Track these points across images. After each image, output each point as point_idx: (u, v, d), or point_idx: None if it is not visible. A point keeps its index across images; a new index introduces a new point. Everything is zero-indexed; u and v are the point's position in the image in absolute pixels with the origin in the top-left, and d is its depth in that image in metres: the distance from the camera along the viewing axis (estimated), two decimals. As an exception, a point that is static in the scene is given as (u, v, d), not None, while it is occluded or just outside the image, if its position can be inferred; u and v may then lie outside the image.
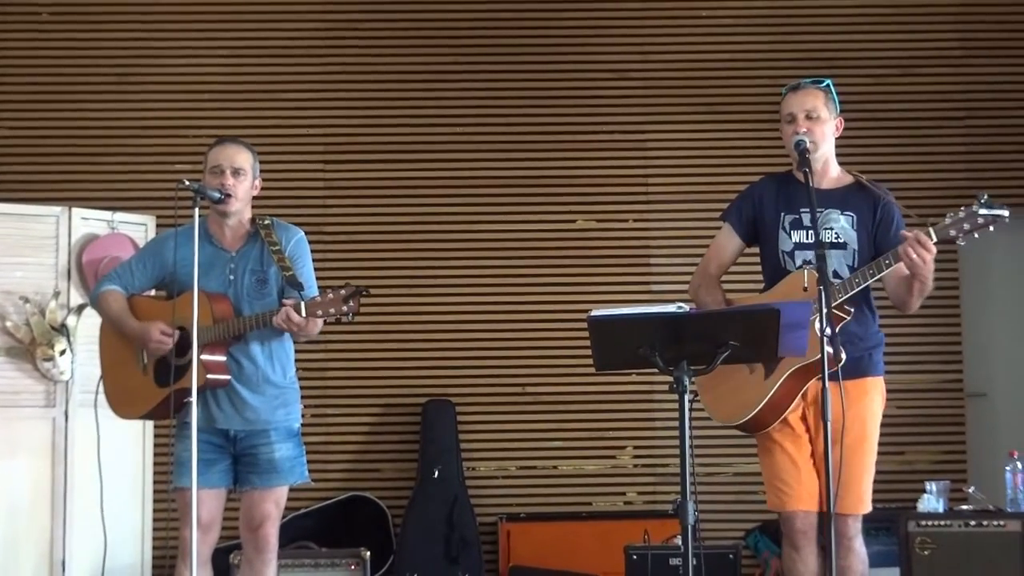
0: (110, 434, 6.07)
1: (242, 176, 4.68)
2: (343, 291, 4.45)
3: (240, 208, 4.71)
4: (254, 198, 4.81)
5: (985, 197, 4.17)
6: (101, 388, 4.93)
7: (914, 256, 4.17)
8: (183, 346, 4.59)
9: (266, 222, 4.74)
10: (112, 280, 4.82)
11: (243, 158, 4.71)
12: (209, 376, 4.56)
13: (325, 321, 4.55)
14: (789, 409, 4.37)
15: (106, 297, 4.79)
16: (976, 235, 4.19)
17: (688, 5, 7.92)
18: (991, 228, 4.18)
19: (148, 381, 4.74)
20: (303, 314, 4.46)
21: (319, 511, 7.39)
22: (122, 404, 4.89)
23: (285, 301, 4.51)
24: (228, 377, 4.62)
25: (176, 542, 4.60)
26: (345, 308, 4.45)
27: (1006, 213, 4.17)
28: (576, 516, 7.40)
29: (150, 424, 6.47)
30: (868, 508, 4.44)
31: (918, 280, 4.26)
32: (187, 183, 4.52)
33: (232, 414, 4.66)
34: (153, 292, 4.94)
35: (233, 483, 4.72)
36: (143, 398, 4.76)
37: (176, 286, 4.66)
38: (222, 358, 4.62)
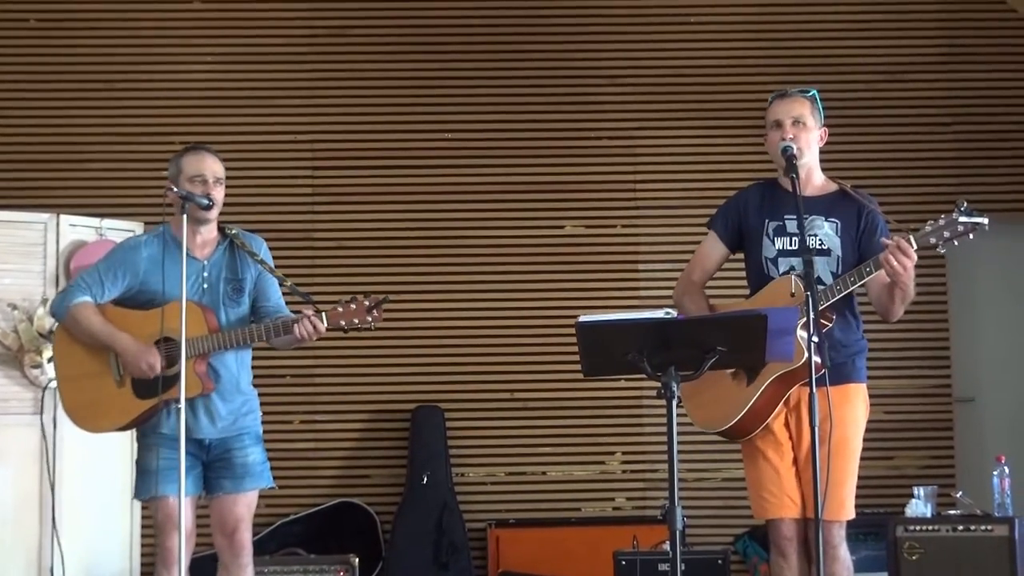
0: (98, 441, 6.07)
1: (220, 185, 4.70)
2: (367, 301, 4.49)
3: (215, 217, 4.71)
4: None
5: (964, 205, 4.19)
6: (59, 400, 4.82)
7: (895, 263, 4.18)
8: (171, 356, 4.58)
9: (234, 231, 4.75)
10: (82, 291, 4.70)
11: (220, 168, 4.72)
12: (204, 387, 4.56)
13: (346, 330, 4.55)
14: (771, 416, 4.38)
15: (82, 310, 4.67)
16: (956, 243, 4.21)
17: (677, 13, 7.93)
18: (971, 236, 4.20)
19: (125, 392, 4.67)
20: (325, 323, 4.48)
21: (308, 517, 7.39)
22: (91, 417, 4.78)
23: (307, 312, 4.51)
24: (213, 386, 4.62)
25: (157, 551, 4.60)
26: (370, 318, 4.49)
27: (985, 221, 4.19)
28: (565, 522, 7.40)
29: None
30: (851, 514, 4.43)
31: (899, 288, 4.27)
32: (176, 190, 4.54)
33: (207, 423, 4.65)
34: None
35: (203, 490, 4.71)
36: (121, 410, 4.68)
37: (146, 295, 4.65)
38: (205, 368, 4.61)
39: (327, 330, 4.54)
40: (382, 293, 4.67)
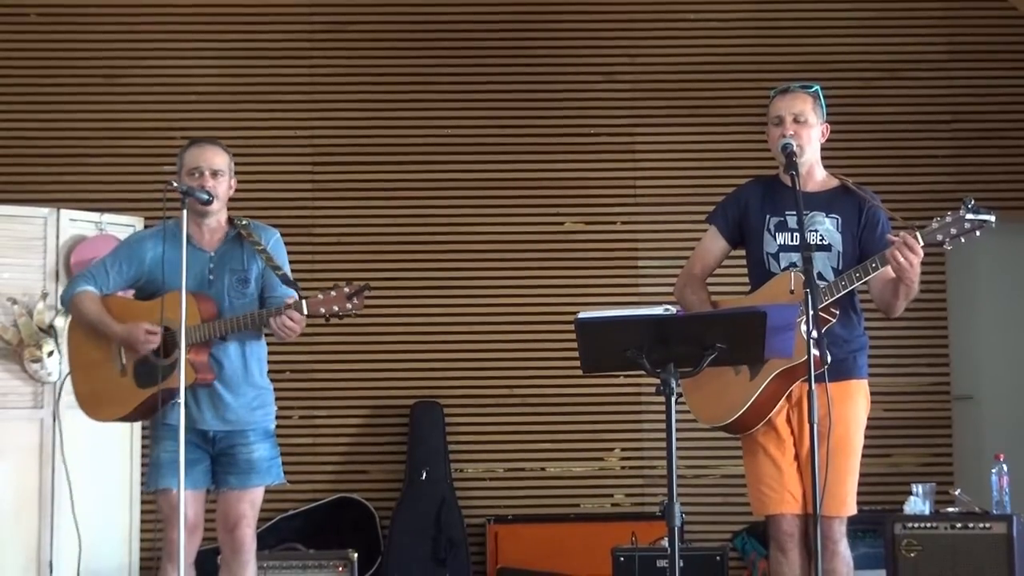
0: (98, 435, 6.08)
1: (220, 177, 4.69)
2: (347, 288, 4.48)
3: (219, 208, 4.72)
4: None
5: (972, 202, 4.17)
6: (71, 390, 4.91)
7: (901, 260, 4.18)
8: (167, 347, 4.59)
9: (244, 222, 4.75)
10: (86, 280, 4.78)
11: (220, 159, 4.72)
12: (197, 376, 4.56)
13: (327, 318, 4.55)
14: (773, 411, 4.38)
15: (82, 298, 4.74)
16: (963, 240, 4.20)
17: (676, 9, 7.93)
18: (977, 233, 4.18)
19: (128, 382, 4.71)
20: (305, 312, 4.47)
21: (307, 513, 7.39)
22: (98, 407, 4.85)
23: (287, 301, 4.51)
24: (212, 377, 4.63)
25: (162, 543, 4.60)
26: (350, 305, 4.48)
27: (992, 218, 4.17)
28: (564, 518, 7.41)
29: (137, 425, 6.46)
30: (852, 511, 4.44)
31: (904, 284, 4.27)
32: (175, 184, 4.55)
33: (212, 415, 4.66)
34: (130, 293, 4.91)
35: (212, 483, 4.73)
36: (123, 400, 4.74)
37: (154, 286, 4.67)
38: (206, 358, 4.63)
39: (308, 316, 4.50)
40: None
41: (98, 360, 4.77)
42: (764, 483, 4.45)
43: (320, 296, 4.50)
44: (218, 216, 4.74)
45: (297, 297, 4.51)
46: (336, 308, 4.48)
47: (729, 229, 4.62)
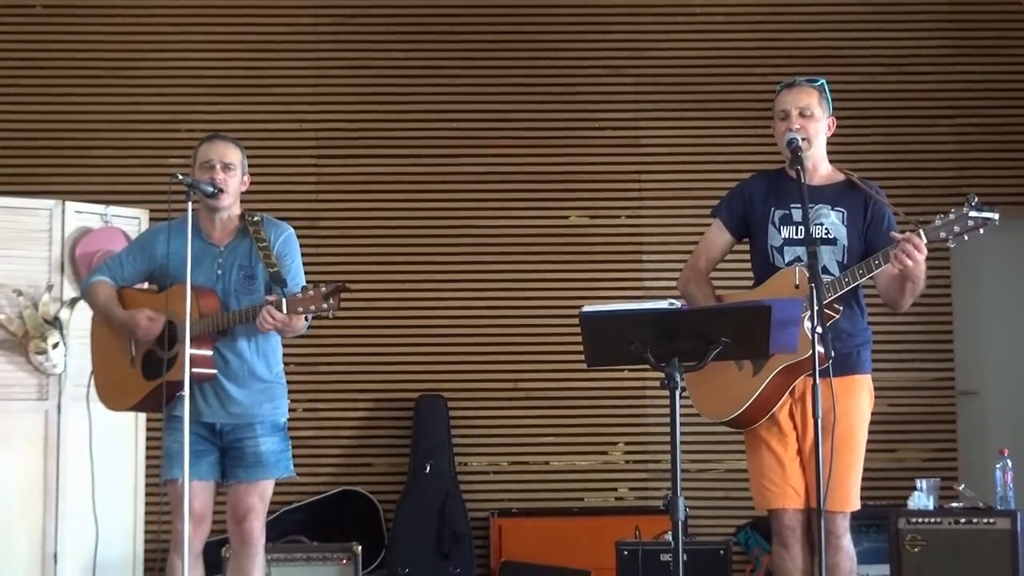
0: (103, 427, 6.11)
1: (231, 171, 4.72)
2: (324, 288, 4.48)
3: (230, 203, 4.75)
4: (246, 192, 4.84)
5: (975, 199, 4.16)
6: (92, 380, 5.00)
7: (905, 260, 4.18)
8: (171, 340, 4.62)
9: (255, 218, 4.76)
10: (102, 272, 4.88)
11: (232, 153, 4.75)
12: (194, 369, 4.55)
13: (306, 318, 4.56)
14: (777, 406, 4.39)
15: (95, 288, 4.84)
16: (966, 237, 4.20)
17: (681, 3, 7.92)
18: (981, 231, 4.18)
19: (136, 373, 4.77)
20: (284, 310, 4.48)
21: (311, 506, 7.40)
22: (111, 396, 4.94)
23: (268, 299, 4.52)
24: (214, 371, 4.65)
25: (168, 535, 4.61)
26: (325, 305, 4.47)
27: (996, 216, 4.17)
28: (568, 512, 7.41)
29: (143, 417, 6.49)
30: (856, 506, 4.45)
31: (910, 281, 4.27)
32: (180, 177, 4.56)
33: (218, 408, 4.69)
34: (146, 285, 4.97)
35: (221, 476, 4.75)
36: (131, 390, 4.80)
37: (167, 279, 4.71)
38: (208, 352, 4.64)
39: (288, 316, 4.49)
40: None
41: (114, 351, 4.85)
42: (766, 477, 4.45)
43: (299, 295, 4.51)
44: (230, 211, 4.77)
45: (281, 295, 4.51)
46: (312, 308, 4.48)
47: (733, 223, 4.62)
